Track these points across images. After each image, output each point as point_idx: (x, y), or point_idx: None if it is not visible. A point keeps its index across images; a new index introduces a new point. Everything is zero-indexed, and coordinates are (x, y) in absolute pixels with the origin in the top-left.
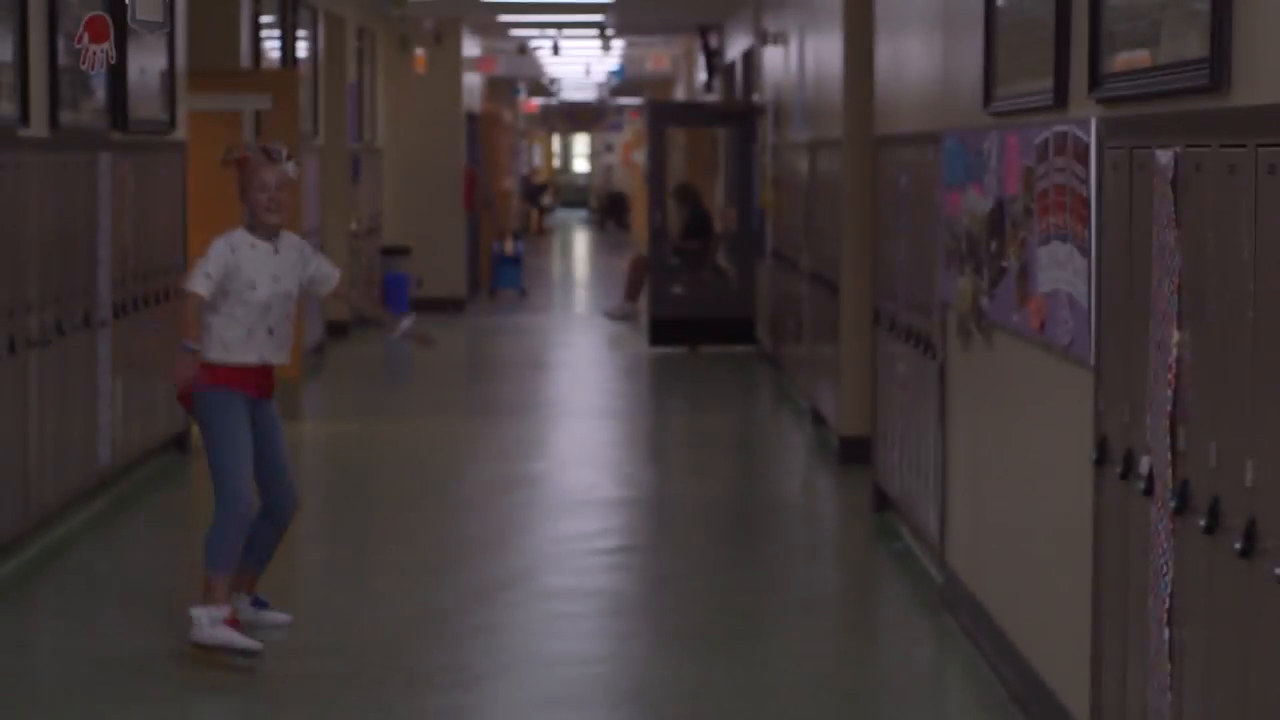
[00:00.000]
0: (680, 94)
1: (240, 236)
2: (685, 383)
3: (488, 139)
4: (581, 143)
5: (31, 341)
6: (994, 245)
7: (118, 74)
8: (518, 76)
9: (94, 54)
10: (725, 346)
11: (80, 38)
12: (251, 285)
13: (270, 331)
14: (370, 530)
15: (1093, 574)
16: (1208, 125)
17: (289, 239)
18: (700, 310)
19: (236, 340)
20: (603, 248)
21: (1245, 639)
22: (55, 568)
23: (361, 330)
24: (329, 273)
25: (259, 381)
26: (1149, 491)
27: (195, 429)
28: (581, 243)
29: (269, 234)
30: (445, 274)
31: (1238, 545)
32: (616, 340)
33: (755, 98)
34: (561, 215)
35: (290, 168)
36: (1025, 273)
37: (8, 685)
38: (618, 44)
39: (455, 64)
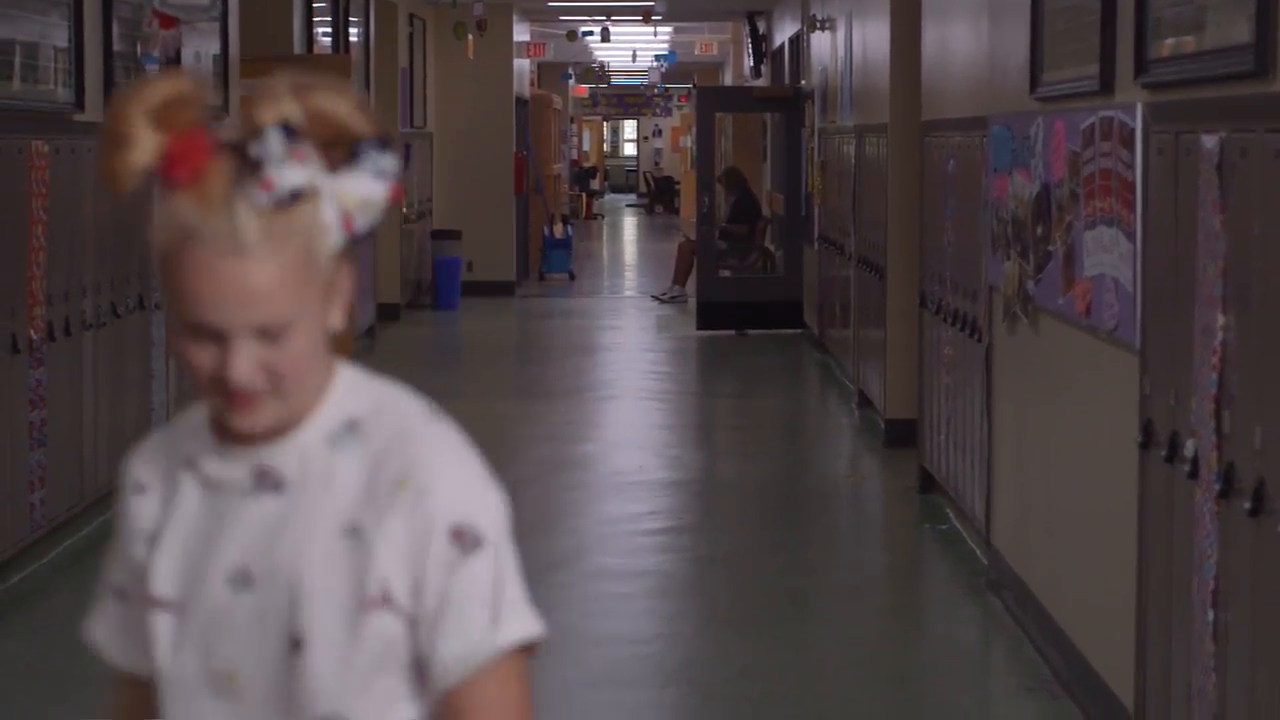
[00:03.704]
0: (728, 79)
1: None
2: (733, 365)
3: (537, 124)
4: (630, 127)
5: (87, 324)
6: (1040, 230)
7: (172, 60)
8: (567, 62)
9: (165, 39)
10: (773, 330)
11: (149, 22)
12: None
13: None
14: None
15: (1138, 556)
16: (1253, 110)
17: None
18: (748, 294)
19: None
20: (651, 232)
21: None
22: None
23: (412, 313)
24: None
25: None
26: (1194, 474)
27: None
28: (630, 227)
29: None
30: (495, 258)
31: None
32: (665, 323)
33: (802, 83)
34: (610, 199)
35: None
36: (1071, 257)
37: (65, 661)
38: (666, 29)
39: (505, 49)
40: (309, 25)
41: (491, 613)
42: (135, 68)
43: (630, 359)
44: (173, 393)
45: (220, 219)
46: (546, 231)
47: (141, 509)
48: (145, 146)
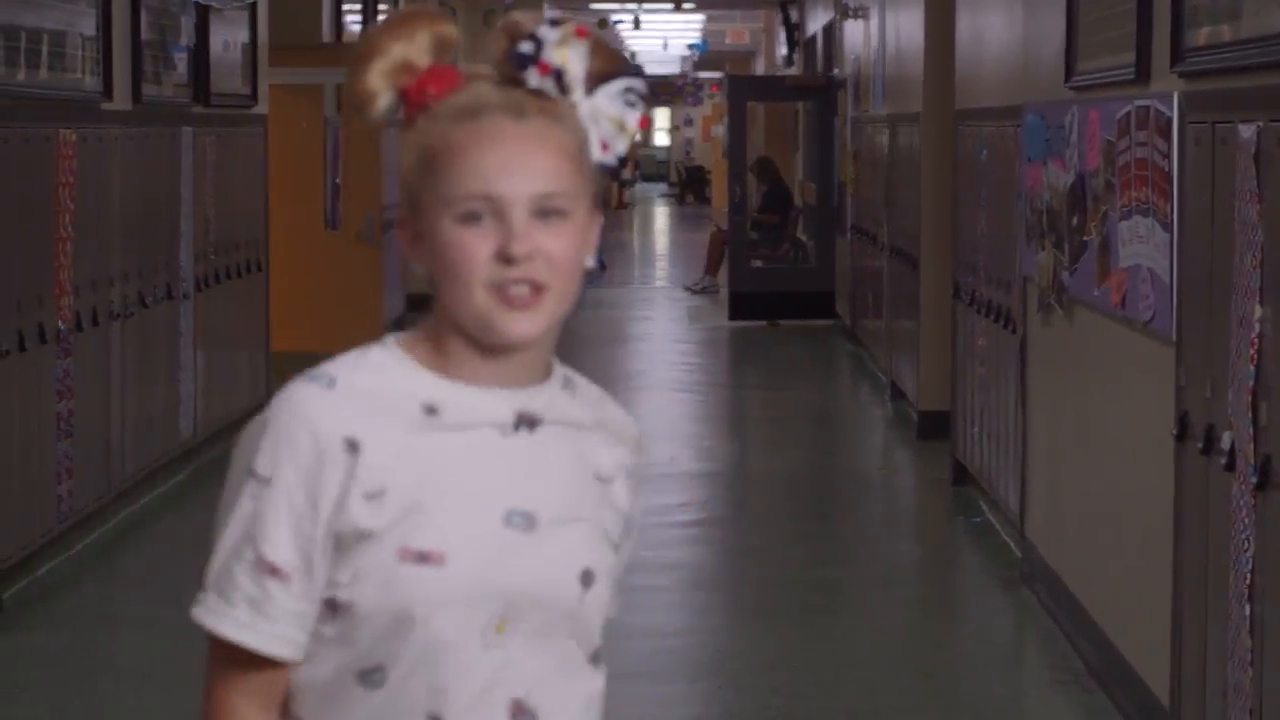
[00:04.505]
0: (760, 68)
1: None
2: (764, 356)
3: None
4: (661, 116)
5: (114, 314)
6: (1075, 220)
7: (200, 48)
8: None
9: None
10: (805, 320)
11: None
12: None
13: None
14: None
15: (1173, 549)
16: None
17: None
18: (780, 284)
19: None
20: (682, 222)
21: None
22: (138, 538)
23: None
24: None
25: None
26: (1230, 467)
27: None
28: (661, 217)
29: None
30: None
31: None
32: (696, 314)
33: (835, 72)
34: (641, 189)
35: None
36: (1106, 247)
37: (91, 654)
38: (698, 18)
39: None
40: (338, 13)
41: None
42: (163, 56)
43: (661, 350)
44: (200, 383)
45: (500, 94)
46: None
47: (364, 467)
48: (386, 100)
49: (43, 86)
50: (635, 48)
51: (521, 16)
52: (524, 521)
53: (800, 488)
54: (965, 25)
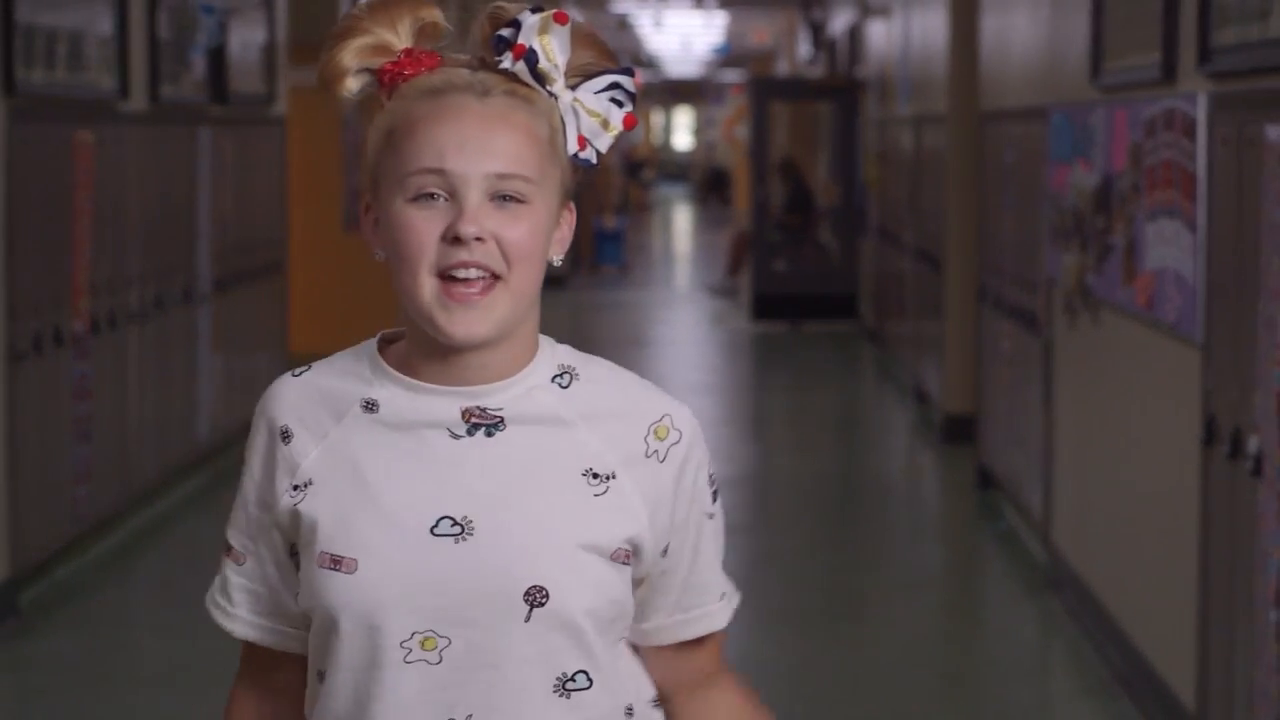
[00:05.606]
0: (783, 69)
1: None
2: (787, 359)
3: None
4: (683, 117)
5: (131, 316)
6: (1101, 221)
7: (218, 48)
8: (619, 51)
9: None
10: (828, 322)
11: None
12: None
13: None
14: None
15: (1199, 554)
16: None
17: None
18: (803, 286)
19: None
20: (704, 223)
21: None
22: (155, 541)
23: None
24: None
25: None
26: (1257, 472)
27: None
28: (683, 218)
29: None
30: None
31: None
32: (718, 316)
33: (859, 72)
34: (663, 190)
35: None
36: (1132, 249)
37: (109, 658)
38: (719, 18)
39: None
40: None
41: (721, 577)
42: (180, 56)
43: (683, 352)
44: (218, 387)
45: (470, 75)
46: (598, 223)
47: (293, 458)
48: (356, 79)
49: (59, 87)
50: (656, 48)
51: (508, 4)
52: (456, 531)
53: (823, 492)
54: (990, 25)
